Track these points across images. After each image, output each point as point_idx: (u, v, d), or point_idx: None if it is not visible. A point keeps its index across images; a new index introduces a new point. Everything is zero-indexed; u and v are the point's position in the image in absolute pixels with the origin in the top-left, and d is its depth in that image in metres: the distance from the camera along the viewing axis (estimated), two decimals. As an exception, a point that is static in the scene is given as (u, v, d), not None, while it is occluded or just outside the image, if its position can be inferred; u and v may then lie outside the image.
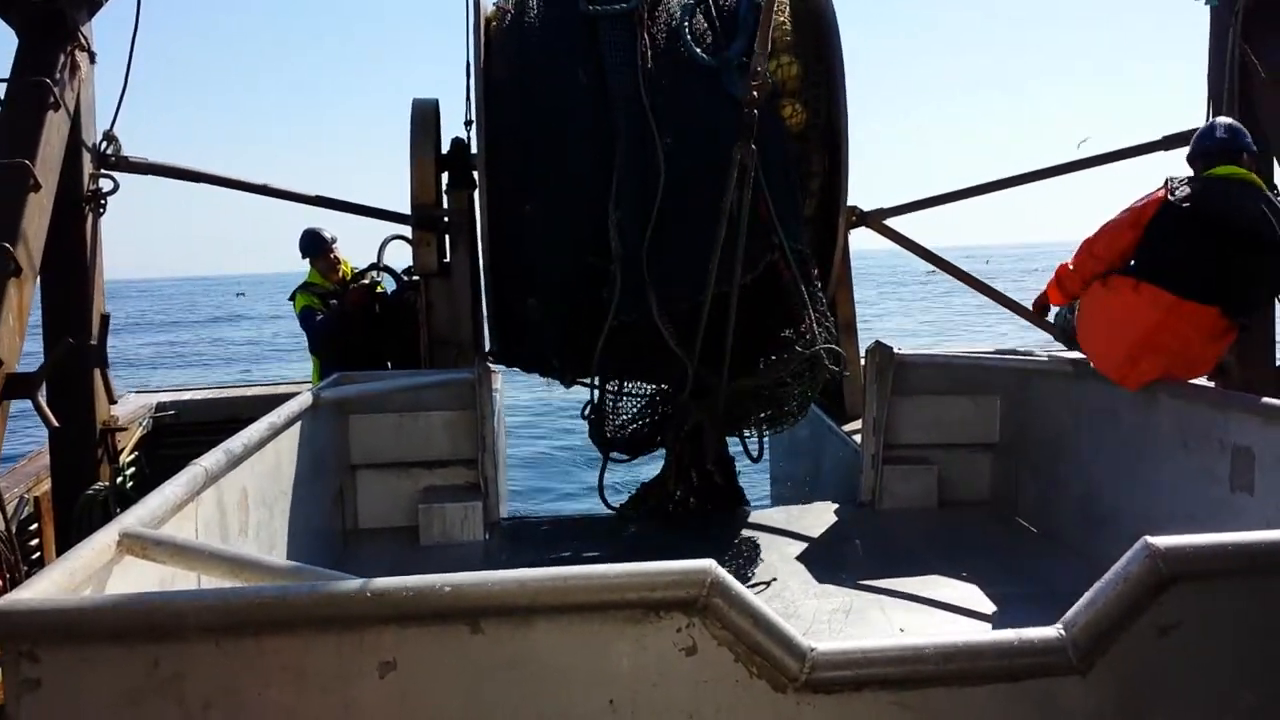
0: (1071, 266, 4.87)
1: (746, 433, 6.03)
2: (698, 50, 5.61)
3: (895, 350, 5.65)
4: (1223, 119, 5.13)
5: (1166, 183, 4.65)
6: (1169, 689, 2.10)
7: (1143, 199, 4.67)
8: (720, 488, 6.03)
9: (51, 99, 5.59)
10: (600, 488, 6.01)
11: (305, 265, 8.04)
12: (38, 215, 5.33)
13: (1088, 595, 2.07)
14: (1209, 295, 4.43)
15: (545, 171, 5.68)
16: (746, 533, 5.35)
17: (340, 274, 8.00)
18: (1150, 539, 2.06)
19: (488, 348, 6.43)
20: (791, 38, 6.02)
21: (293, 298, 8.03)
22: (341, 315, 7.77)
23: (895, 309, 43.22)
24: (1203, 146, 4.80)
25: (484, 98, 5.75)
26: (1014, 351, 6.52)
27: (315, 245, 7.99)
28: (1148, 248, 4.59)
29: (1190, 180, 4.65)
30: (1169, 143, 7.60)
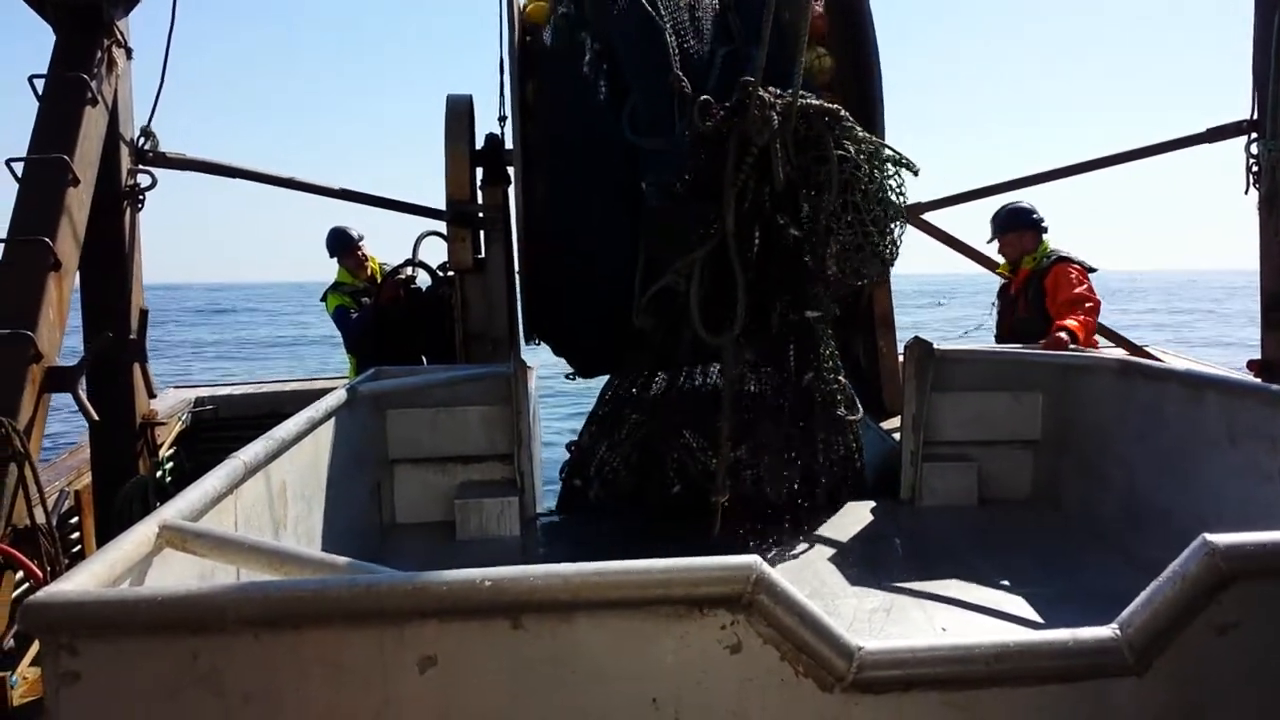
0: (1092, 323, 6.34)
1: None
2: None
3: (935, 345, 5.58)
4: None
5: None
6: (1227, 690, 2.04)
7: (1086, 274, 6.54)
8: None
9: (89, 94, 5.60)
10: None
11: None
12: (76, 210, 5.35)
13: (1144, 594, 2.01)
14: None
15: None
16: (784, 530, 5.30)
17: (369, 271, 8.03)
18: (1209, 536, 2.00)
19: (525, 340, 6.50)
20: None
21: (324, 298, 8.07)
22: (376, 312, 7.80)
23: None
24: (1037, 223, 6.88)
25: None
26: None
27: (342, 243, 8.03)
28: None
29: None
30: (1212, 135, 7.49)
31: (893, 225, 5.11)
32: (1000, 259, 7.16)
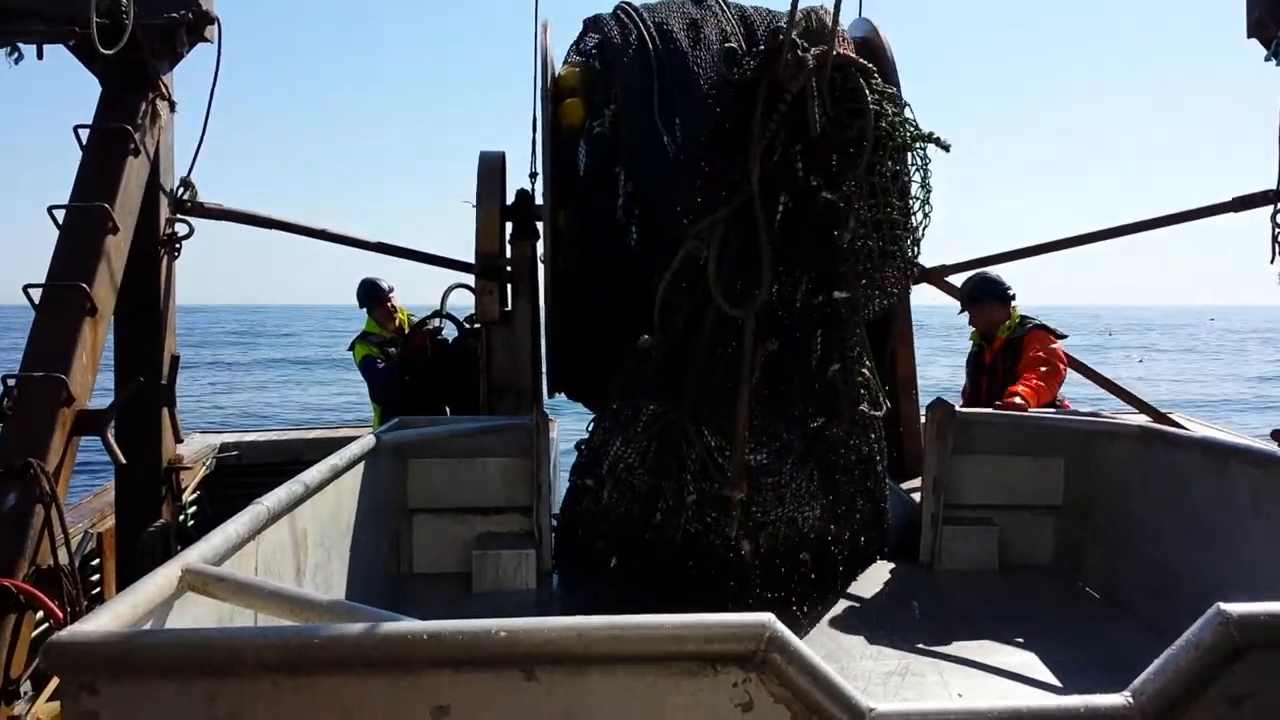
0: (1043, 386, 6.36)
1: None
2: None
3: (956, 408, 5.57)
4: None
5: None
6: None
7: (1056, 340, 6.77)
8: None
9: (132, 145, 5.72)
10: None
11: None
12: (115, 257, 5.44)
13: (1157, 662, 2.01)
14: None
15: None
16: (801, 588, 5.27)
17: (397, 322, 8.14)
18: (1223, 605, 2.00)
19: (546, 395, 6.51)
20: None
21: (352, 348, 8.19)
22: (402, 362, 7.88)
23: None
24: (1005, 293, 7.00)
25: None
26: (1077, 412, 6.43)
27: (373, 295, 8.16)
28: None
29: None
30: (1239, 204, 7.49)
31: (918, 214, 4.93)
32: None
